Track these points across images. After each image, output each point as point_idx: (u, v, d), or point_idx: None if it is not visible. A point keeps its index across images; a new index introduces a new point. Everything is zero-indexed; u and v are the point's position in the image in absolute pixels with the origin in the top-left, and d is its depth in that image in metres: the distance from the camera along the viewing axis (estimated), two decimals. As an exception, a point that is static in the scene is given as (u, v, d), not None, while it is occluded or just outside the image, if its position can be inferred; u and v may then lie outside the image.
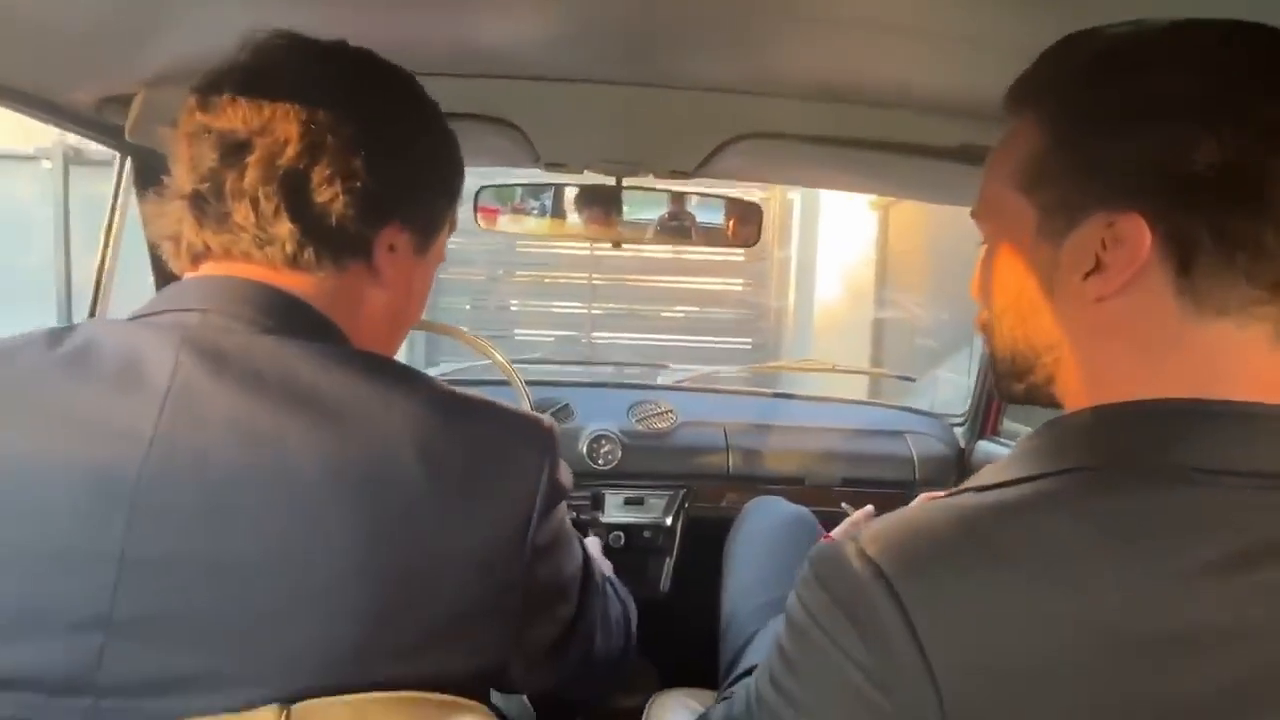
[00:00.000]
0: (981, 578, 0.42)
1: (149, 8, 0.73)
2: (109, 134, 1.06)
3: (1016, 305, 0.51)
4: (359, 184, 0.56)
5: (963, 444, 1.70)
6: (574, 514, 1.53)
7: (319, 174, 0.55)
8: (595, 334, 5.40)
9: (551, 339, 5.36)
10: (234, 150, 0.55)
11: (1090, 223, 0.45)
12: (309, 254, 0.56)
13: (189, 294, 0.56)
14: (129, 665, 0.46)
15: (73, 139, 4.18)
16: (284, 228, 0.55)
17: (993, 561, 0.42)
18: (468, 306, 5.48)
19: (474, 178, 1.46)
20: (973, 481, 0.48)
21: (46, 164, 4.36)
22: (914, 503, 0.53)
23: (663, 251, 5.30)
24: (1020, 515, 0.44)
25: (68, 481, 0.48)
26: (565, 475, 0.57)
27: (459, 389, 0.57)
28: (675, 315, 5.50)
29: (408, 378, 0.56)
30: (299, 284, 0.57)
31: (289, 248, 0.55)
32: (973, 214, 0.55)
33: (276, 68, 0.57)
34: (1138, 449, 0.44)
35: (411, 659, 0.50)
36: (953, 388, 1.83)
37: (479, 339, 1.43)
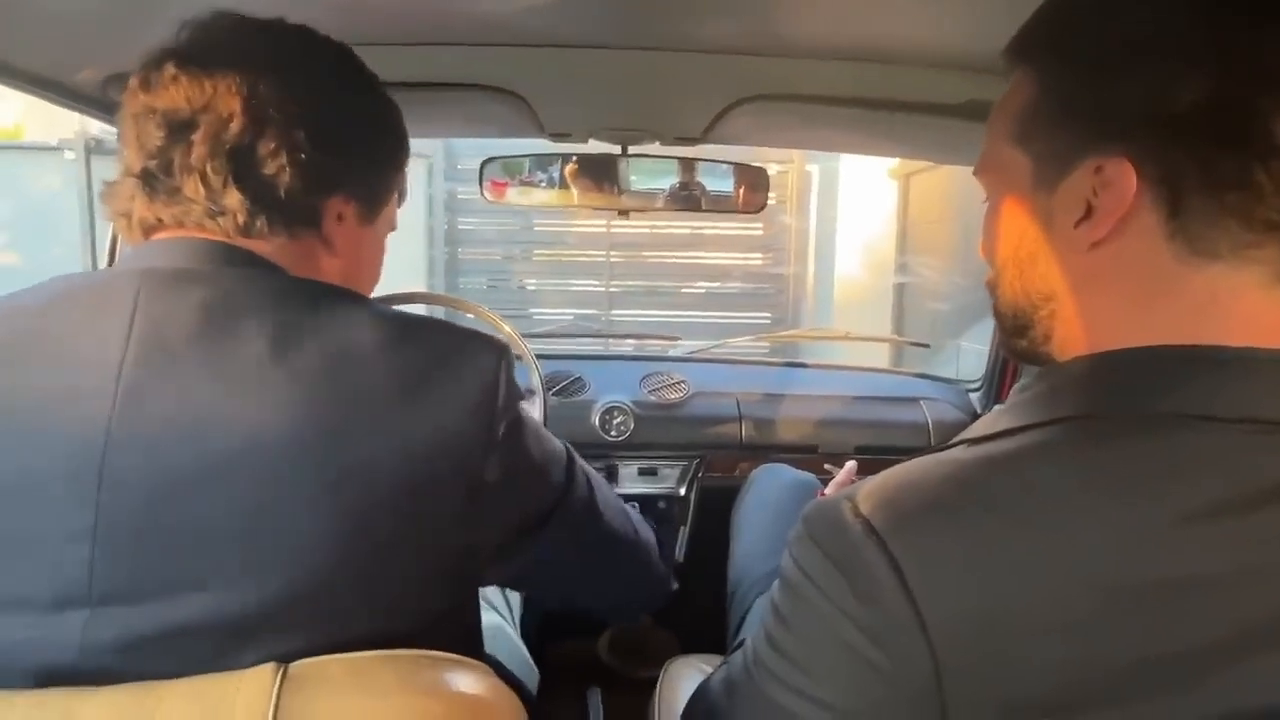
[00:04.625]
0: (972, 530, 0.42)
1: None
2: (115, 113, 1.06)
3: (1016, 257, 0.51)
4: (303, 155, 0.58)
5: (979, 409, 1.68)
6: None
7: (264, 147, 0.57)
8: (614, 311, 5.39)
9: (570, 317, 5.36)
10: (180, 128, 0.56)
11: (1080, 169, 0.45)
12: (261, 223, 0.58)
13: (150, 253, 0.58)
14: (121, 574, 0.48)
15: (94, 129, 4.24)
16: (234, 198, 0.57)
17: (983, 514, 0.42)
18: (486, 286, 5.51)
19: (480, 151, 1.46)
20: (967, 434, 0.48)
21: (69, 154, 4.42)
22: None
23: (680, 226, 5.27)
24: (1012, 466, 0.43)
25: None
26: (516, 378, 0.61)
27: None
28: (695, 291, 5.48)
29: (368, 300, 0.60)
30: (255, 248, 0.59)
31: (240, 217, 0.57)
32: (975, 171, 0.55)
33: (216, 46, 0.58)
34: (1131, 397, 0.43)
35: (387, 548, 0.52)
36: (978, 358, 1.81)
37: (485, 310, 1.44)
